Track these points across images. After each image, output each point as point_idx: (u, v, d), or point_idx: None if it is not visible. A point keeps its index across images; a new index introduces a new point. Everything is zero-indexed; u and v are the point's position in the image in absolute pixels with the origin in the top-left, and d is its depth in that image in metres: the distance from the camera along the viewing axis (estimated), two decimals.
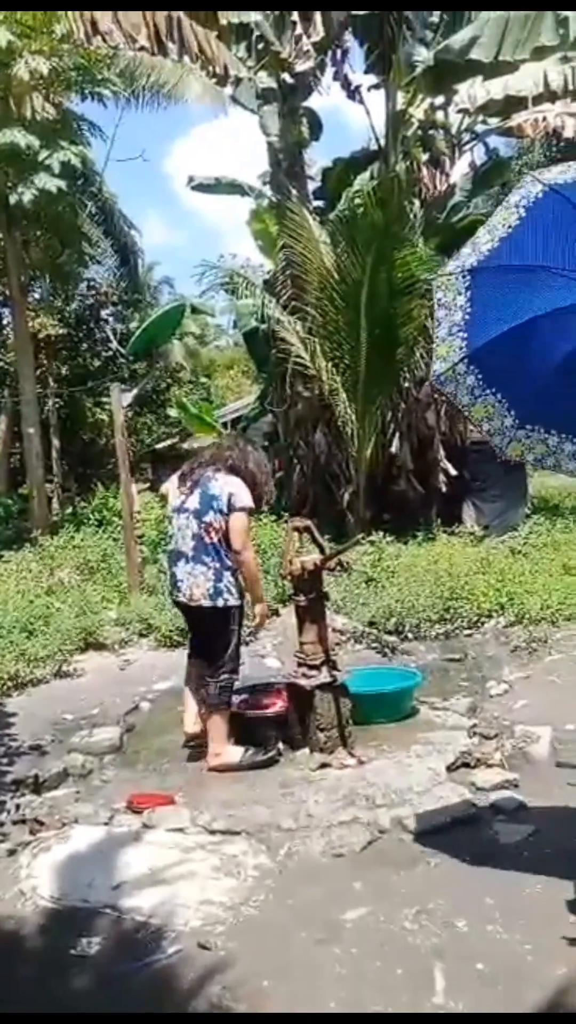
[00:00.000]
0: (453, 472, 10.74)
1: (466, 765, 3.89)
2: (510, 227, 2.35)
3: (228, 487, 4.17)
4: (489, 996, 2.29)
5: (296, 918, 2.73)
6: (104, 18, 8.18)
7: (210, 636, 4.29)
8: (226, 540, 4.16)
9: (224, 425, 15.39)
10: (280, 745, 4.20)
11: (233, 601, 4.22)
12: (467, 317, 2.55)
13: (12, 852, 3.30)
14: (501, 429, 2.76)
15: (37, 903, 2.91)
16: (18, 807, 3.76)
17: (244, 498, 4.16)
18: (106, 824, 3.51)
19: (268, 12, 10.31)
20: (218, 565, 4.17)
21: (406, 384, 10.40)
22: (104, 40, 8.31)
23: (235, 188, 12.78)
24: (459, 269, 2.53)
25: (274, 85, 10.85)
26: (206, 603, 4.18)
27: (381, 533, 8.64)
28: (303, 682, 4.10)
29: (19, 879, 3.07)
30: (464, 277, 2.51)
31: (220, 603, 4.18)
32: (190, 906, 2.82)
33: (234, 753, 4.11)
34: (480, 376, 2.67)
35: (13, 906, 2.90)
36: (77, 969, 2.54)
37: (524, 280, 2.51)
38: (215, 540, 4.16)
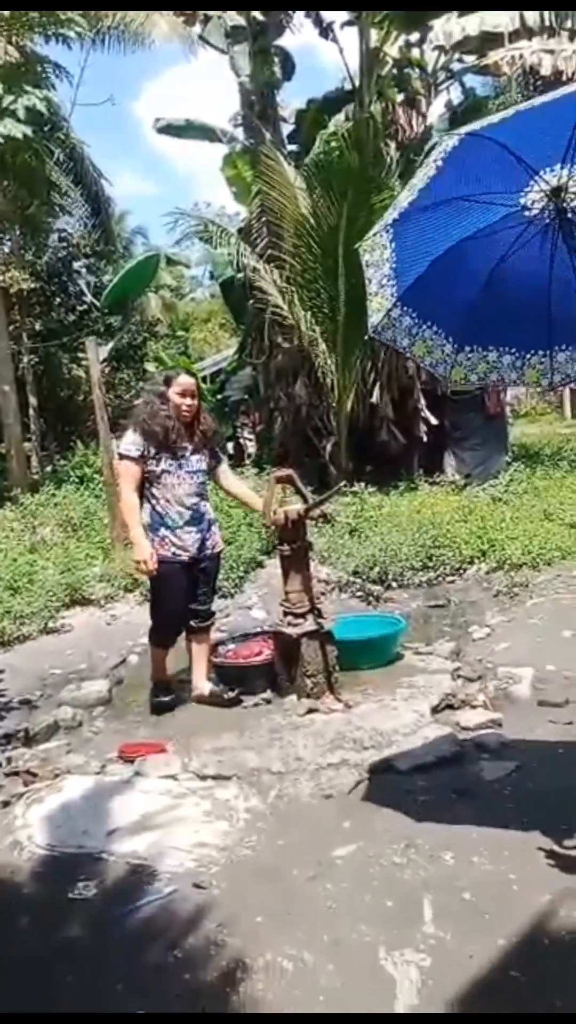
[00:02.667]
0: (434, 421, 10.76)
1: (450, 707, 3.98)
2: (428, 178, 2.40)
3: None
4: (476, 923, 2.37)
5: (288, 857, 2.80)
6: None
7: None
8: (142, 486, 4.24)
9: (203, 379, 15.24)
10: (268, 692, 4.27)
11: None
12: (394, 266, 2.61)
13: (6, 804, 3.34)
14: (442, 358, 2.83)
15: (33, 851, 2.96)
16: (10, 760, 3.80)
17: (119, 445, 4.27)
18: (98, 774, 3.57)
19: None
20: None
21: None
22: None
23: (207, 132, 12.46)
24: (382, 227, 2.58)
25: (244, 23, 10.51)
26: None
27: (363, 484, 8.67)
28: (289, 630, 4.14)
29: (14, 829, 3.12)
30: (387, 232, 2.57)
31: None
32: (184, 849, 2.88)
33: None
34: (414, 315, 2.74)
35: (9, 855, 2.95)
36: (76, 912, 2.60)
37: (442, 214, 2.56)
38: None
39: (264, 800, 3.21)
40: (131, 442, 4.15)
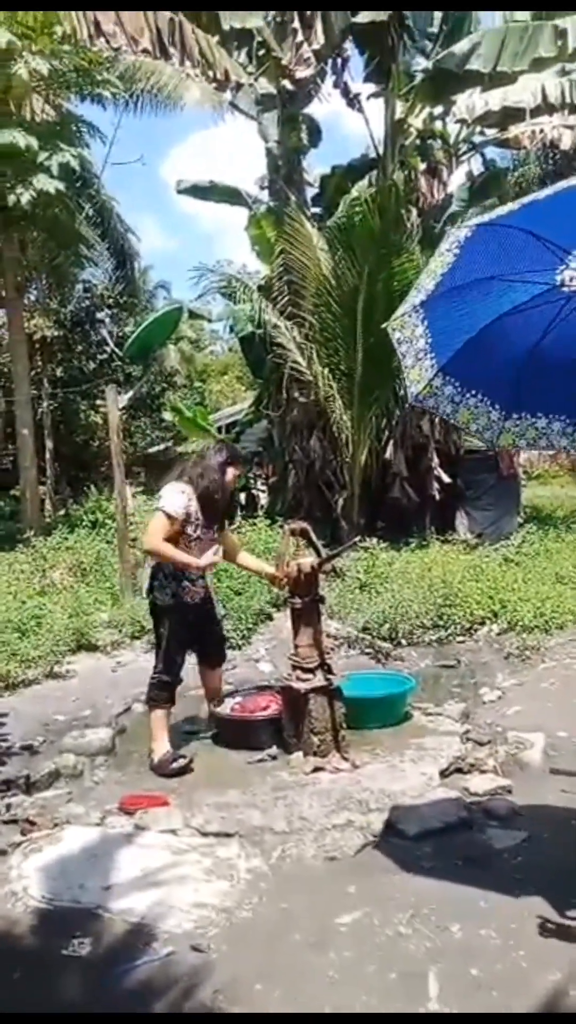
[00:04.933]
0: (447, 480, 10.78)
1: (459, 771, 3.89)
2: (448, 264, 2.57)
3: (163, 490, 4.33)
4: (483, 1001, 2.28)
5: (289, 922, 2.72)
6: (107, 20, 8.19)
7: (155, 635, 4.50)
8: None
9: (219, 430, 15.38)
10: (274, 748, 4.19)
11: (160, 600, 4.31)
12: (430, 341, 2.79)
13: (3, 852, 3.27)
14: (488, 425, 2.99)
15: (28, 903, 2.89)
16: (9, 807, 3.72)
17: (162, 502, 4.24)
18: (98, 825, 3.49)
19: (269, 19, 10.36)
20: (151, 563, 4.41)
21: (401, 392, 10.43)
22: (107, 42, 8.33)
23: (230, 194, 12.81)
24: (410, 307, 2.74)
25: (274, 91, 10.90)
26: (144, 595, 4.55)
27: (375, 539, 8.65)
28: (298, 685, 4.09)
29: (10, 879, 3.04)
30: (417, 312, 2.74)
31: (150, 598, 4.39)
32: (182, 908, 2.80)
33: (157, 751, 4.20)
34: (457, 384, 2.91)
35: (4, 906, 2.88)
36: (68, 969, 2.52)
37: (476, 293, 2.72)
38: None
39: (267, 860, 3.13)
40: (180, 505, 4.20)
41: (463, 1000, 2.28)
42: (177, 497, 4.22)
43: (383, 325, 2.93)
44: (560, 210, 2.34)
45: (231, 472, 4.38)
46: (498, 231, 2.48)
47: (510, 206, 2.40)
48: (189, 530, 4.25)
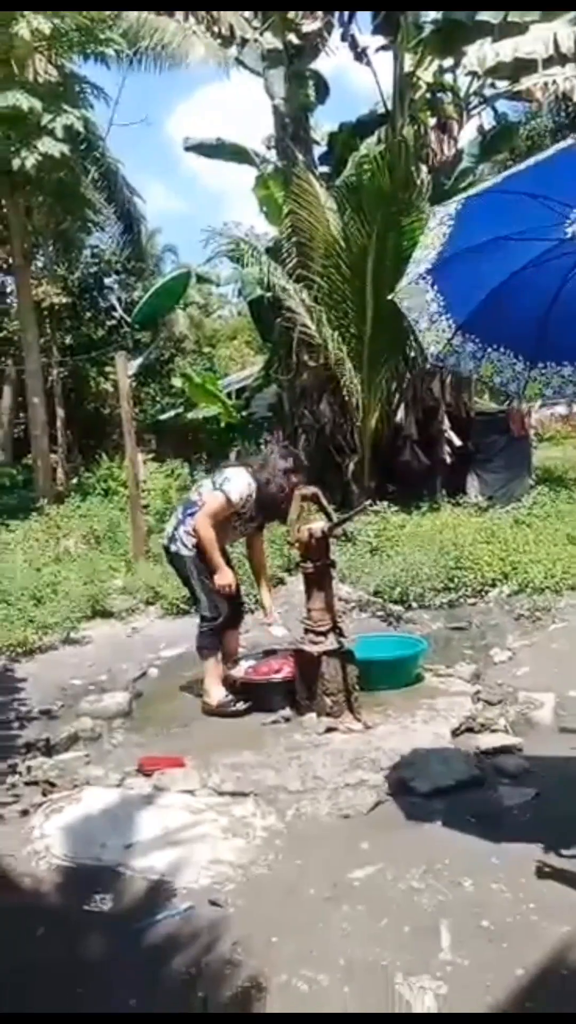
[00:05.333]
0: (458, 443, 10.74)
1: (470, 730, 3.95)
2: (444, 234, 2.67)
3: (231, 473, 4.51)
4: (494, 952, 2.35)
5: (304, 877, 2.79)
6: None
7: (183, 582, 4.72)
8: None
9: (228, 395, 15.33)
10: (287, 710, 4.26)
11: (183, 551, 4.49)
12: (442, 303, 2.87)
13: (25, 813, 3.36)
14: (514, 376, 3.04)
15: (51, 862, 2.97)
16: (29, 769, 3.82)
17: (231, 486, 4.41)
18: (117, 786, 3.57)
19: None
20: (180, 516, 4.58)
21: (412, 354, 10.35)
22: None
23: (237, 153, 12.59)
24: (414, 277, 2.82)
25: (280, 46, 10.64)
26: (165, 544, 4.69)
27: (386, 503, 8.66)
28: (310, 648, 4.14)
29: (32, 839, 3.13)
30: (423, 279, 2.82)
31: (173, 548, 4.56)
32: (201, 865, 2.87)
33: (214, 696, 4.42)
34: (477, 340, 2.97)
35: (28, 864, 2.96)
36: (91, 925, 2.60)
37: (484, 254, 2.78)
38: (195, 500, 4.57)
39: (282, 818, 3.20)
40: (242, 495, 4.42)
41: (474, 951, 2.35)
42: (244, 487, 4.43)
43: (389, 297, 3.01)
44: (555, 171, 2.39)
45: (293, 480, 4.52)
46: (493, 197, 2.56)
47: (505, 174, 2.50)
48: (234, 520, 4.48)
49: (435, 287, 2.84)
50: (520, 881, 2.67)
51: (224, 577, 4.45)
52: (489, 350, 2.99)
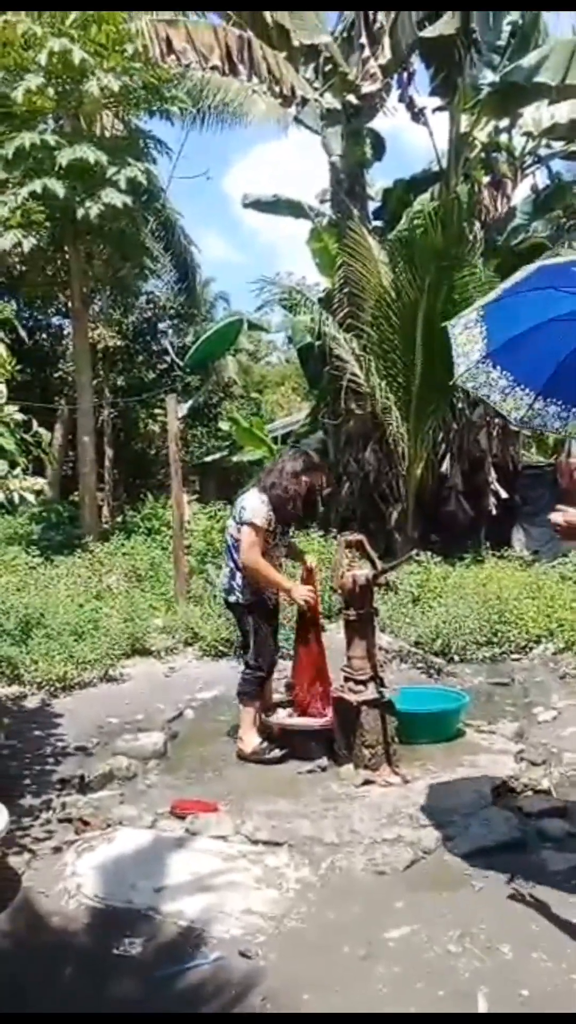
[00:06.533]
0: (504, 495, 10.63)
1: (512, 790, 3.84)
2: (483, 331, 3.09)
3: (245, 501, 4.49)
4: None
5: (338, 933, 2.72)
6: (178, 37, 8.38)
7: (239, 628, 4.72)
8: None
9: (275, 440, 15.46)
10: (324, 759, 4.20)
11: (243, 599, 4.48)
12: (511, 379, 3.25)
13: (58, 849, 3.35)
14: (529, 415, 3.35)
15: (81, 901, 2.95)
16: (64, 806, 3.81)
17: (250, 513, 4.40)
18: (150, 828, 3.55)
19: (337, 34, 10.43)
20: (232, 565, 4.54)
21: (459, 405, 10.35)
22: (177, 59, 8.50)
23: (294, 208, 12.92)
24: (472, 364, 3.20)
25: (339, 106, 10.95)
26: (223, 595, 4.72)
27: (429, 553, 8.58)
28: (350, 697, 4.09)
29: (64, 876, 3.11)
30: (483, 364, 3.21)
31: (232, 598, 4.56)
32: (232, 914, 2.82)
33: (249, 743, 4.38)
34: (559, 402, 3.30)
35: (58, 903, 2.94)
36: (119, 969, 2.56)
37: (541, 332, 3.11)
38: (232, 544, 4.57)
39: (316, 871, 3.13)
40: (264, 516, 4.40)
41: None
42: (261, 508, 4.41)
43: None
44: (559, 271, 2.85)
45: (305, 480, 4.50)
46: (515, 297, 2.96)
47: (502, 284, 2.94)
48: (270, 538, 4.45)
49: (498, 367, 3.21)
50: (564, 951, 2.57)
51: (298, 590, 4.43)
52: (517, 387, 3.29)
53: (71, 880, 3.08)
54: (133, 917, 2.84)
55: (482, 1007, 2.32)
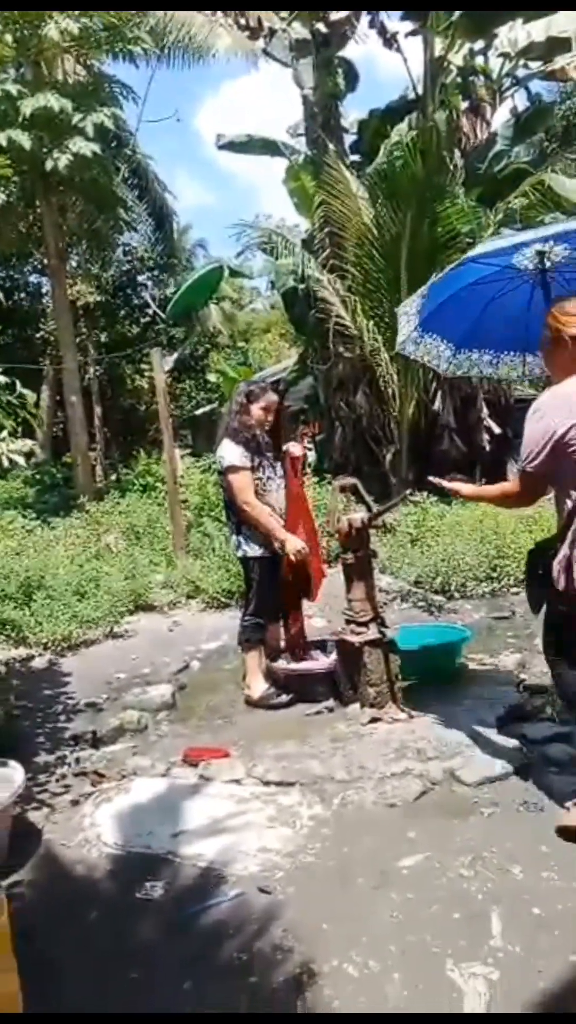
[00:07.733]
0: (497, 430, 10.62)
1: (517, 719, 3.91)
2: (418, 309, 3.79)
3: (219, 452, 4.49)
4: (546, 939, 2.33)
5: (352, 865, 2.79)
6: None
7: (244, 581, 4.73)
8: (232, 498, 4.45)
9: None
10: (331, 701, 4.27)
11: (252, 552, 4.47)
12: (419, 309, 3.81)
13: (75, 802, 3.42)
14: (453, 365, 4.05)
15: (102, 850, 3.02)
16: (78, 760, 3.89)
17: (227, 460, 4.39)
18: (163, 776, 3.62)
19: None
20: (233, 520, 4.54)
21: None
22: None
23: (268, 146, 12.57)
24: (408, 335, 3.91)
25: (308, 35, 10.59)
26: (234, 553, 4.73)
27: (425, 493, 8.59)
28: (352, 638, 4.14)
29: (83, 827, 3.19)
30: (417, 310, 3.81)
31: (240, 553, 4.55)
32: (249, 853, 2.90)
33: (256, 689, 4.45)
34: (422, 330, 3.87)
35: (80, 852, 3.02)
36: (143, 911, 2.64)
37: (455, 274, 3.53)
38: (226, 500, 4.59)
39: (328, 807, 3.21)
40: (240, 455, 4.37)
41: (525, 938, 2.33)
42: (233, 450, 4.39)
43: (396, 349, 4.13)
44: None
45: (257, 407, 4.48)
46: (447, 280, 3.55)
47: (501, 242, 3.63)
48: (259, 474, 4.43)
49: (427, 334, 3.90)
50: (572, 870, 2.64)
51: (292, 543, 4.39)
52: (426, 336, 3.91)
53: (91, 830, 3.16)
54: (153, 862, 2.92)
55: (496, 927, 2.40)
